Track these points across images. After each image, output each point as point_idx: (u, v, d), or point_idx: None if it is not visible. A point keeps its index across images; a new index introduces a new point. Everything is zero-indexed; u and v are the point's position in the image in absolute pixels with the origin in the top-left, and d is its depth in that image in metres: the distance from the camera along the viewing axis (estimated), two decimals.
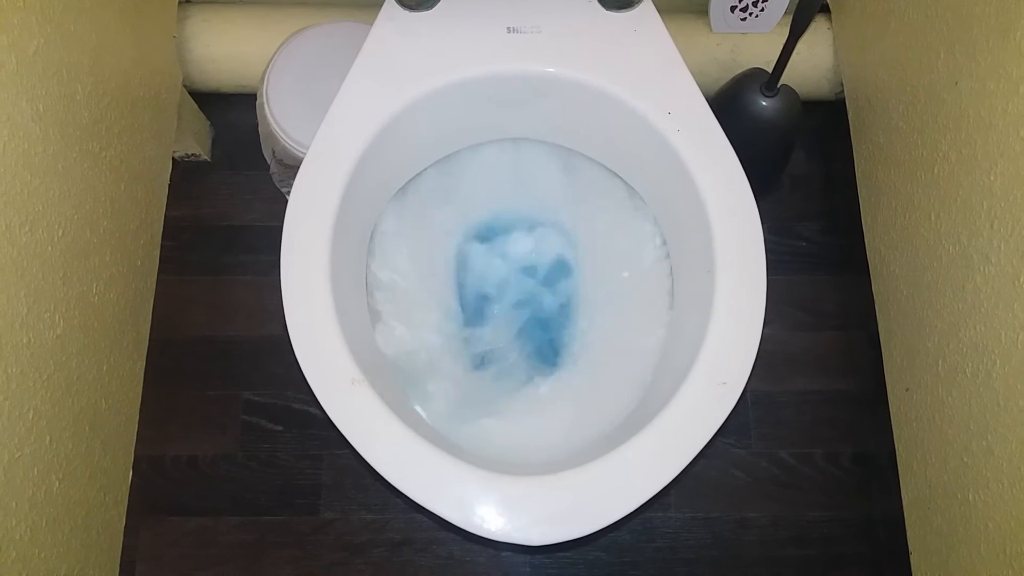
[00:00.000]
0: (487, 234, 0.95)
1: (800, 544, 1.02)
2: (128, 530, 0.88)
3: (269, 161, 1.01)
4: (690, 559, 1.01)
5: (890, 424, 0.91)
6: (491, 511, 0.60)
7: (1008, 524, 0.70)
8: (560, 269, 0.96)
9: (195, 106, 1.11)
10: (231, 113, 1.16)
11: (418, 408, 0.77)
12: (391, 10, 0.77)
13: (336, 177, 0.70)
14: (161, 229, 0.96)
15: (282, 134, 0.93)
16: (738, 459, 1.05)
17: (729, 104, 1.01)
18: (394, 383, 0.72)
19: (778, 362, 1.09)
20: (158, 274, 0.95)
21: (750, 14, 1.05)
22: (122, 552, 0.87)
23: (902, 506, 0.88)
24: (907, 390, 0.87)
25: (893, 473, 0.90)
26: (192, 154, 1.13)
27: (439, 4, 0.77)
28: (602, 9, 0.77)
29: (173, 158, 1.02)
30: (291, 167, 0.97)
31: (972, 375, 0.74)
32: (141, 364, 0.91)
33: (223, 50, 1.07)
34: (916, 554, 0.86)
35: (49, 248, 0.70)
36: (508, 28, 0.75)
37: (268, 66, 0.96)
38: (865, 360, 1.09)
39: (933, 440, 0.82)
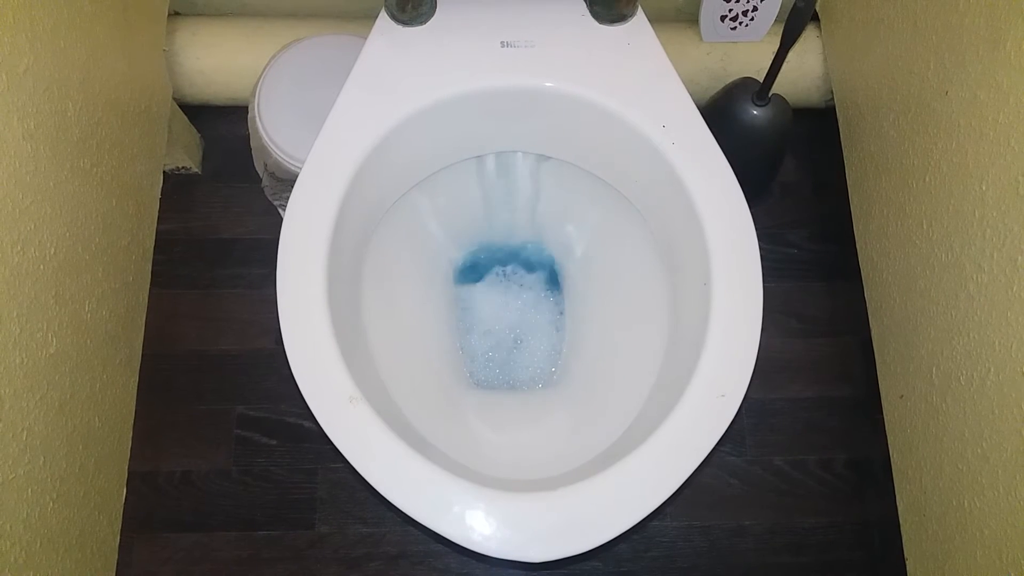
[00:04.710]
0: (481, 248, 0.95)
1: (796, 551, 1.02)
2: (122, 547, 0.88)
3: (261, 174, 1.01)
4: (687, 568, 1.01)
5: (884, 430, 0.91)
6: (490, 528, 0.60)
7: (1004, 531, 0.70)
8: (555, 282, 0.96)
9: (185, 119, 1.10)
10: (221, 126, 1.16)
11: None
12: (385, 25, 0.77)
13: (332, 193, 0.69)
14: (153, 244, 0.96)
15: (274, 147, 0.92)
16: (733, 467, 1.05)
17: (720, 113, 1.01)
18: (390, 400, 0.71)
19: (771, 369, 1.09)
20: (150, 288, 0.95)
21: (740, 23, 1.05)
22: (117, 570, 0.86)
23: (897, 512, 0.89)
24: (901, 397, 0.87)
25: (888, 480, 0.91)
26: (183, 167, 1.13)
27: (432, 19, 0.77)
28: (595, 23, 0.77)
29: (164, 172, 1.01)
30: (283, 180, 0.97)
31: (967, 383, 0.75)
32: (134, 380, 0.90)
33: (213, 63, 1.06)
34: (912, 560, 0.86)
35: (41, 267, 0.69)
36: (502, 42, 0.75)
37: (260, 79, 0.96)
38: (858, 366, 1.09)
39: (928, 447, 0.82)
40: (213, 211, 1.14)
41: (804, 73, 1.10)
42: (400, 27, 0.77)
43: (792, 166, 1.19)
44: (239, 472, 1.02)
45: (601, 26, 0.77)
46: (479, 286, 0.95)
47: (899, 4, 0.86)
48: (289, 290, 0.66)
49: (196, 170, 1.14)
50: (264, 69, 0.96)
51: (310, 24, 1.06)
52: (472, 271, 0.96)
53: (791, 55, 1.07)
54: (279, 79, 0.95)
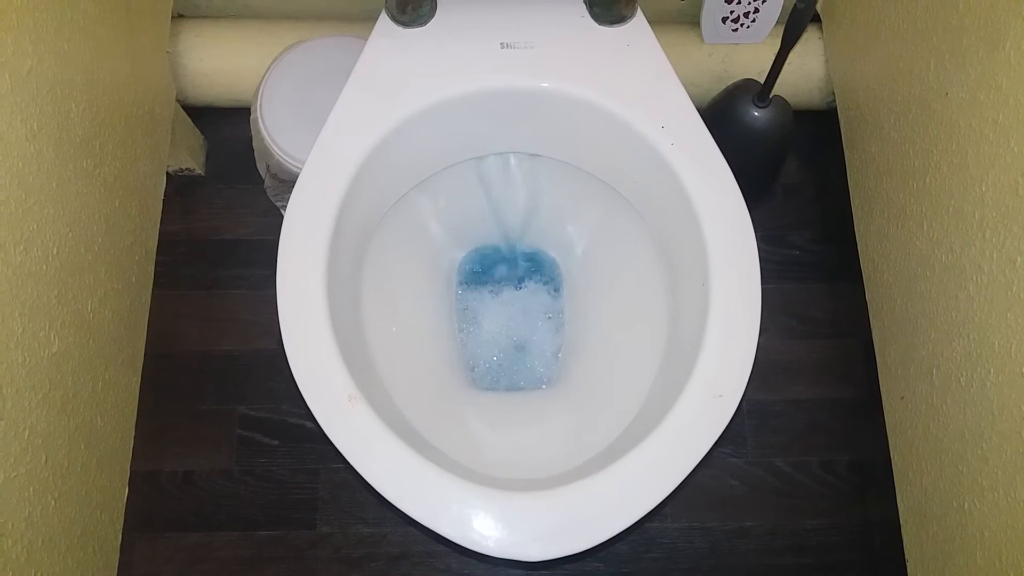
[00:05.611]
0: (482, 248, 0.95)
1: (797, 552, 1.02)
2: (124, 547, 0.88)
3: (263, 175, 1.01)
4: (687, 569, 1.01)
5: (885, 432, 0.91)
6: (489, 527, 0.60)
7: (1004, 532, 0.70)
8: (555, 282, 0.96)
9: (189, 121, 1.11)
10: (224, 127, 1.16)
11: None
12: (385, 26, 0.77)
13: (332, 193, 0.70)
14: (156, 244, 0.96)
15: (276, 148, 0.93)
16: (734, 468, 1.05)
17: (722, 115, 1.02)
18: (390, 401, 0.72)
19: (773, 371, 1.09)
20: (152, 289, 0.95)
21: (741, 25, 1.06)
22: (118, 569, 0.86)
23: (898, 514, 0.89)
24: (902, 398, 0.87)
25: (889, 481, 0.91)
26: (186, 168, 1.13)
27: (433, 21, 0.77)
28: (595, 24, 0.78)
29: (167, 173, 1.02)
30: (285, 181, 0.97)
31: (967, 384, 0.75)
32: (136, 380, 0.91)
33: (216, 64, 1.07)
34: (912, 562, 0.86)
35: (44, 267, 0.70)
36: (502, 44, 0.76)
37: (262, 80, 0.96)
38: (859, 368, 1.09)
39: (928, 448, 0.82)
40: (216, 212, 1.15)
41: (805, 75, 1.10)
42: (400, 28, 0.77)
43: (793, 167, 1.19)
44: (241, 472, 1.03)
45: (601, 27, 0.78)
46: (480, 287, 0.96)
47: (900, 6, 0.86)
48: (288, 290, 0.67)
49: (199, 171, 1.15)
50: (266, 71, 0.97)
51: (312, 26, 1.07)
52: (473, 272, 0.96)
53: (792, 57, 1.07)
54: (281, 81, 0.96)
